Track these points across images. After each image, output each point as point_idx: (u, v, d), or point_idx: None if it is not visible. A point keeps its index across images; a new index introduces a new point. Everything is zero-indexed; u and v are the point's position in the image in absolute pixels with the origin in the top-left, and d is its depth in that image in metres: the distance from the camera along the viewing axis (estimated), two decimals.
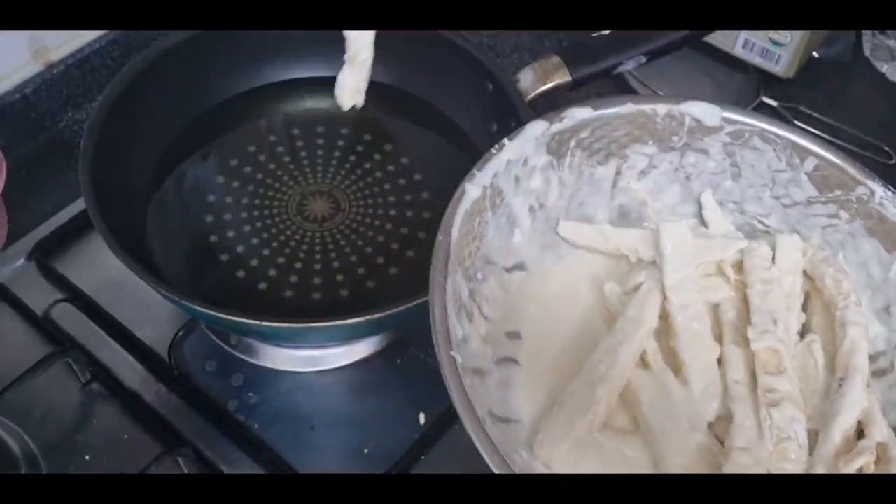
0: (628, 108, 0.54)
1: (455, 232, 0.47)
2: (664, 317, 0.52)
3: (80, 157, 0.60)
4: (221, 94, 0.72)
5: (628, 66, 0.66)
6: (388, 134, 0.72)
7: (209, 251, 0.64)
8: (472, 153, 0.63)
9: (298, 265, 0.63)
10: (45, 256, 0.68)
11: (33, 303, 0.66)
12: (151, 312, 0.64)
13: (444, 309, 0.44)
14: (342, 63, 0.66)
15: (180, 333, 0.63)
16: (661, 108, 0.55)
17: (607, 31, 0.67)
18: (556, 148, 0.53)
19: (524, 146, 0.51)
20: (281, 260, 0.64)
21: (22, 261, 0.68)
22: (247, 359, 0.63)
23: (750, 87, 0.83)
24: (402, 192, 0.68)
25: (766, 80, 0.83)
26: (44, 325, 0.64)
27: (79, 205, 0.70)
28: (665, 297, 0.52)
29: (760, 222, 0.58)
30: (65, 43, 0.75)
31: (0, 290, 0.66)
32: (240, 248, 0.64)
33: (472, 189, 0.49)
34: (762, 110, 0.81)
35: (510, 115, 0.65)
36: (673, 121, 0.55)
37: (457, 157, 0.70)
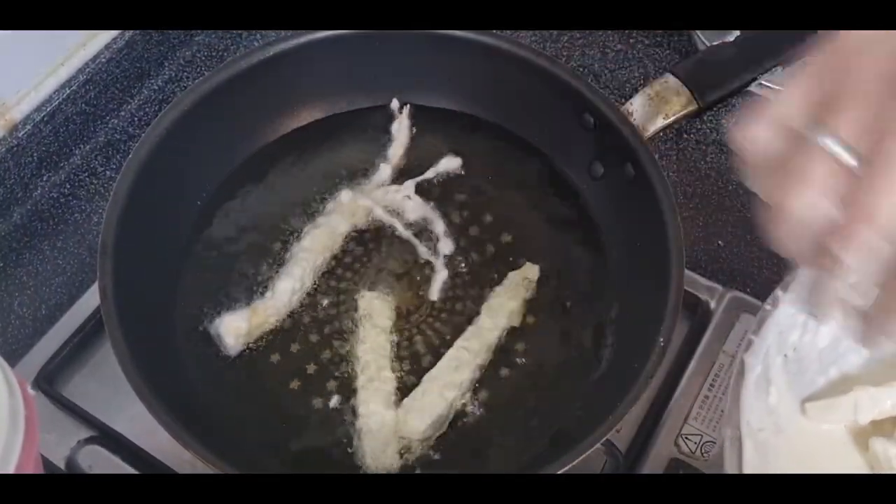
0: None
1: (745, 424, 0.40)
2: None
3: (98, 277, 0.47)
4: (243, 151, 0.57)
5: (764, 79, 0.53)
6: (466, 178, 0.58)
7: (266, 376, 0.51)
8: (572, 198, 0.55)
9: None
10: (52, 383, 0.54)
11: (51, 451, 0.52)
12: None
13: None
14: None
15: None
16: None
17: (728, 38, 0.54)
18: None
19: (797, 297, 0.43)
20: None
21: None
22: None
23: None
24: (493, 260, 0.54)
25: None
26: None
27: (83, 305, 0.57)
28: None
29: None
30: (26, 94, 0.59)
31: None
32: (309, 368, 0.51)
33: (755, 364, 0.41)
34: None
35: (624, 156, 0.52)
36: None
37: (556, 208, 0.56)
